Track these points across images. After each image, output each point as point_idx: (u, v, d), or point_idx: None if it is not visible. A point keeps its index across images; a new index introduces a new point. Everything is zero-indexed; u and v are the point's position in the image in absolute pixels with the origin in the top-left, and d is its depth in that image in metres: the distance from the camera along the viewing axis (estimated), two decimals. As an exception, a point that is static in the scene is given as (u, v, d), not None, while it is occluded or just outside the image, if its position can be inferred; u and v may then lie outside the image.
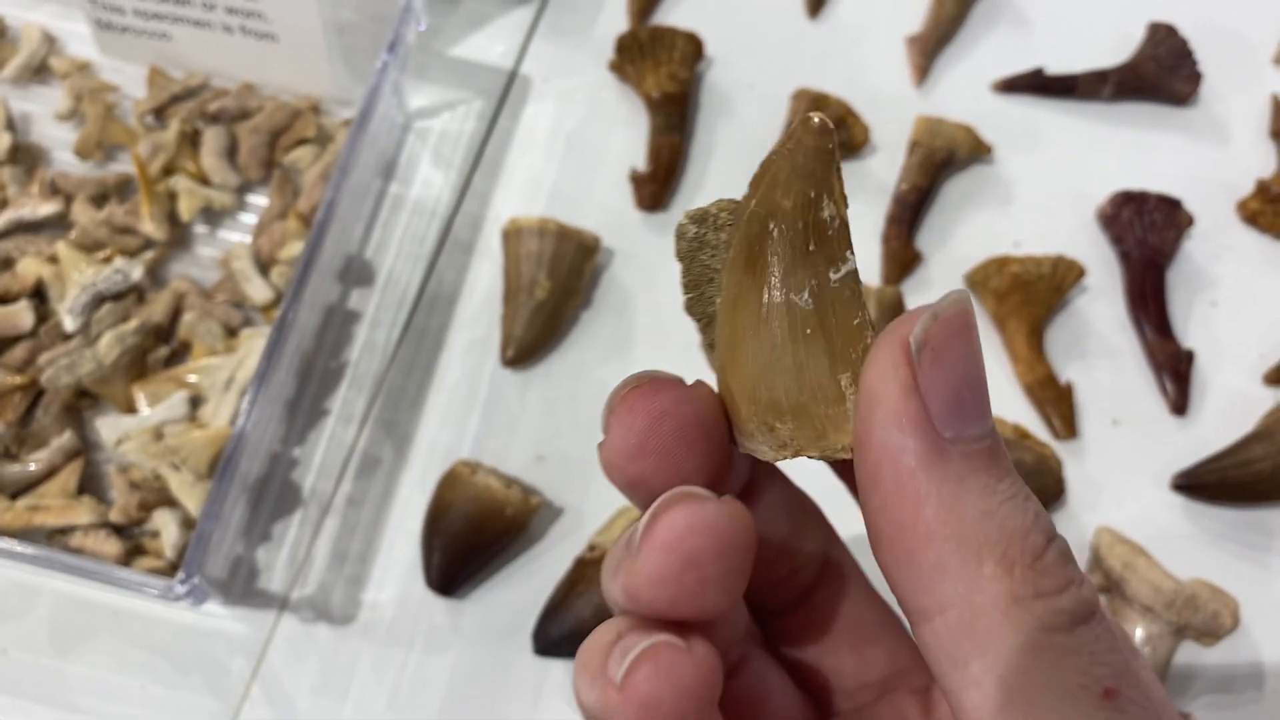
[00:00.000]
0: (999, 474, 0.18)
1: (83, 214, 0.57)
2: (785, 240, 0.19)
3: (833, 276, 0.19)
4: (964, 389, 0.18)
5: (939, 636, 0.18)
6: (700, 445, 0.20)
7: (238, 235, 0.58)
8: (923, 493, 0.18)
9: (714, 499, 0.19)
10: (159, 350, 0.55)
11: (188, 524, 0.51)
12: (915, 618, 0.18)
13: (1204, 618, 0.49)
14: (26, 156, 0.59)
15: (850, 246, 0.19)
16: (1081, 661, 0.17)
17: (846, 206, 0.19)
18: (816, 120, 0.19)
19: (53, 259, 0.55)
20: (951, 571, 0.17)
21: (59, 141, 0.60)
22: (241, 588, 0.52)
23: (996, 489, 0.18)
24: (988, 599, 0.17)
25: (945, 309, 0.18)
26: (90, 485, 0.53)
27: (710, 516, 0.19)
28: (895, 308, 0.56)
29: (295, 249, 0.56)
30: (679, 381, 0.21)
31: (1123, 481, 0.55)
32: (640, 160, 0.62)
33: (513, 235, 0.57)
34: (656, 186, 0.60)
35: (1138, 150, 0.63)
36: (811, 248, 0.19)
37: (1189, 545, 0.54)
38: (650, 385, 0.20)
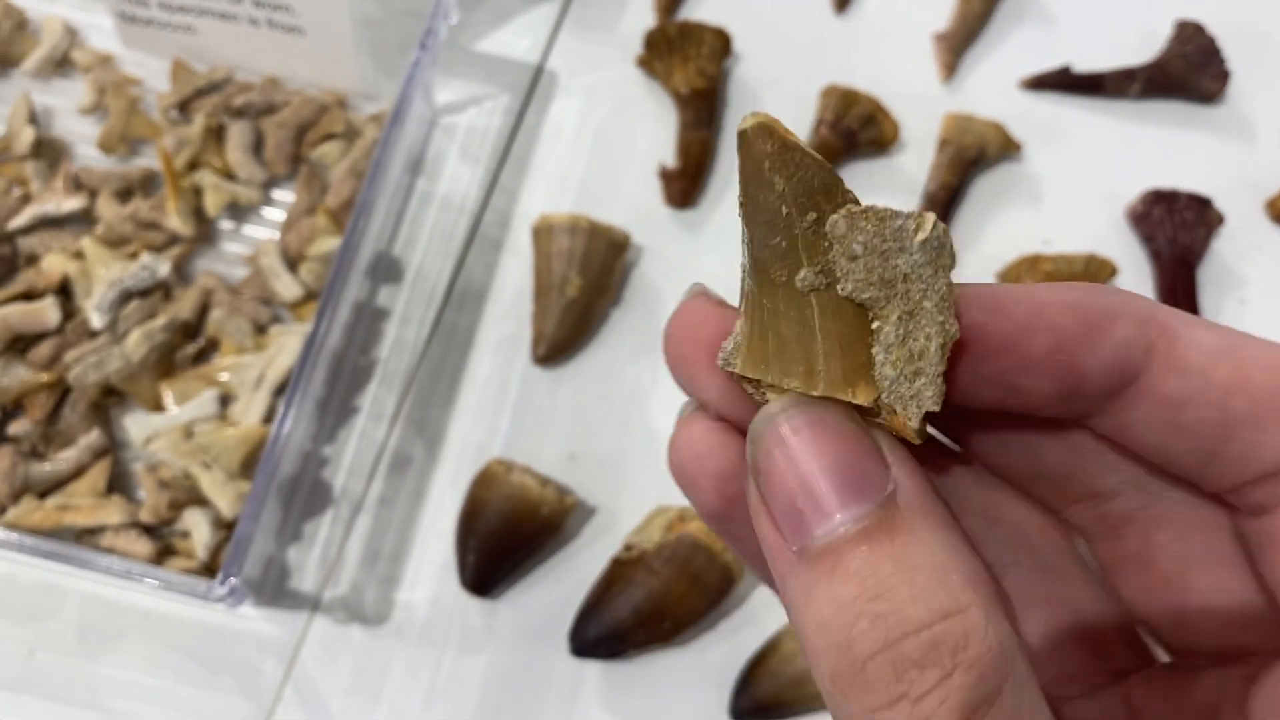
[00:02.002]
0: (843, 576, 0.17)
1: (107, 209, 0.56)
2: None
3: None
4: (794, 498, 0.17)
5: None
6: None
7: (264, 231, 0.58)
8: (789, 609, 0.18)
9: (717, 300, 0.21)
10: (187, 348, 0.54)
11: (219, 523, 0.50)
12: None
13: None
14: (49, 151, 0.58)
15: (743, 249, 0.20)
16: None
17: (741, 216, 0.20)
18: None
19: (78, 255, 0.55)
20: (820, 687, 0.17)
21: (82, 136, 0.59)
22: (273, 588, 0.52)
23: (835, 596, 0.17)
24: (834, 714, 0.17)
25: (754, 434, 0.18)
26: (118, 484, 0.52)
27: (698, 309, 0.21)
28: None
29: (324, 245, 0.55)
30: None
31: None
32: (668, 156, 0.61)
33: (543, 232, 0.57)
34: (686, 183, 0.60)
35: (1166, 149, 0.63)
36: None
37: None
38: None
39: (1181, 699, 0.21)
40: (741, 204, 0.19)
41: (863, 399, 0.18)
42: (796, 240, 0.18)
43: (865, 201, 0.19)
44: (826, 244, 0.18)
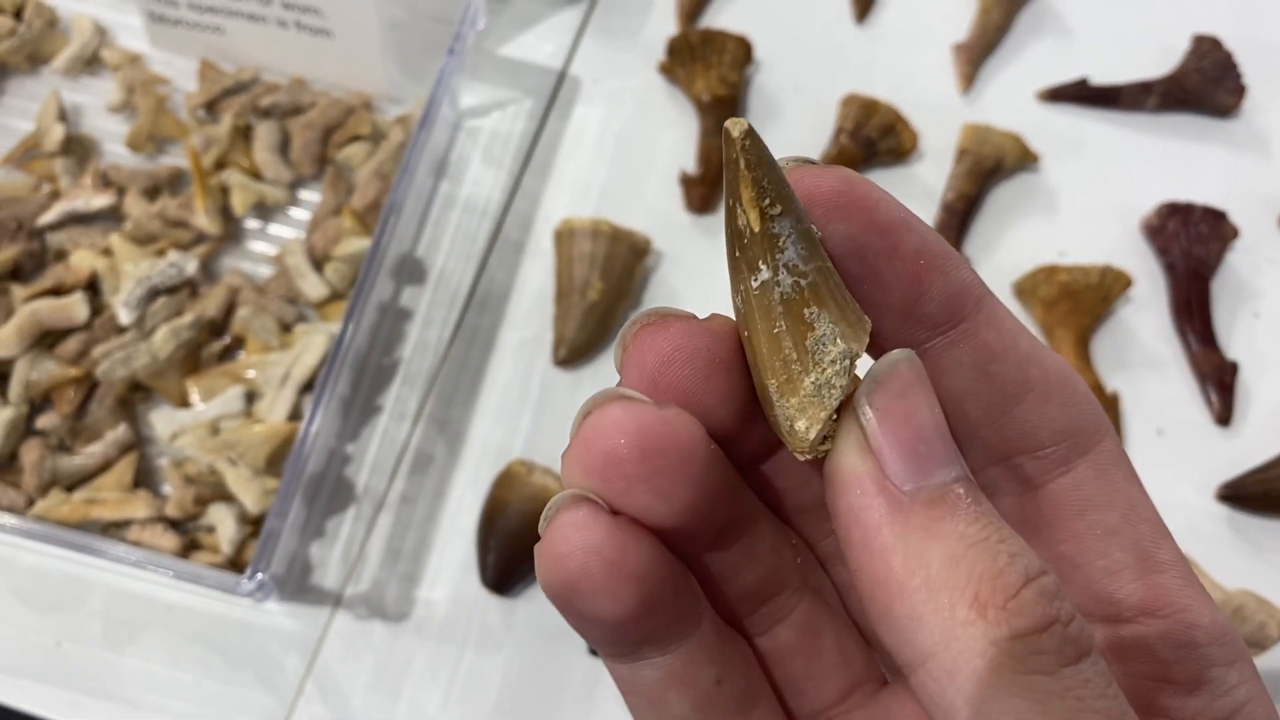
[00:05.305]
0: (968, 519, 0.17)
1: (135, 207, 0.57)
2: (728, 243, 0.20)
3: (752, 284, 0.19)
4: (917, 443, 0.18)
5: (926, 687, 0.17)
6: (717, 381, 0.20)
7: (290, 231, 0.58)
8: (889, 546, 0.18)
9: (646, 402, 0.19)
10: (213, 345, 0.55)
11: (244, 519, 0.51)
12: (905, 670, 0.18)
13: (1250, 628, 0.50)
14: (78, 148, 0.59)
15: (769, 255, 0.19)
16: (1067, 706, 0.16)
17: (764, 216, 0.19)
18: (729, 128, 0.19)
19: (107, 251, 0.55)
20: (926, 621, 0.17)
21: (110, 134, 0.60)
22: (296, 584, 0.52)
23: (964, 534, 0.17)
24: (965, 644, 0.17)
25: (881, 373, 0.18)
26: (144, 479, 0.53)
27: (637, 416, 0.18)
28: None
29: (349, 246, 0.56)
30: (690, 316, 0.20)
31: (1167, 491, 0.55)
32: (689, 163, 0.62)
33: (565, 236, 0.58)
34: (706, 189, 0.61)
35: (1181, 162, 0.64)
36: (736, 254, 0.20)
37: (1234, 555, 0.54)
38: (660, 322, 0.19)
39: (892, 712, 0.22)
40: (768, 203, 0.19)
41: (870, 327, 0.20)
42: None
43: None
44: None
